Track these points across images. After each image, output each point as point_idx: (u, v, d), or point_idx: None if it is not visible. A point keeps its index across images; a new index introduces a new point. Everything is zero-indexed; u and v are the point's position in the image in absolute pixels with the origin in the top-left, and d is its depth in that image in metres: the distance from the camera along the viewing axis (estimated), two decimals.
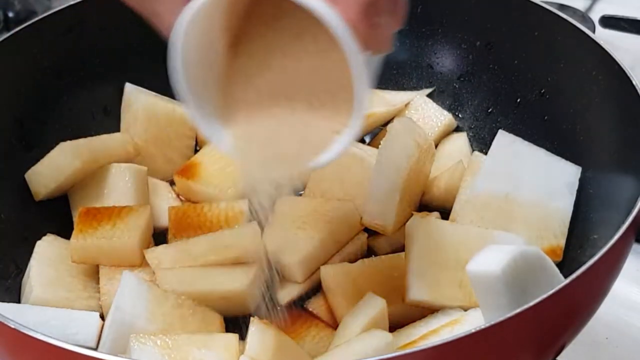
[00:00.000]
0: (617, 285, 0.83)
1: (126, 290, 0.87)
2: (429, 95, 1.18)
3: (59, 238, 1.00)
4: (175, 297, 0.89)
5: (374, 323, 0.85)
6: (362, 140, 1.16)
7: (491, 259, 0.77)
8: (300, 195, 1.04)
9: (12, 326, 0.70)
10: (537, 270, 0.79)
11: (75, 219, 0.97)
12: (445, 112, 1.15)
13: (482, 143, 1.14)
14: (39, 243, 0.97)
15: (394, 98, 1.18)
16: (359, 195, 1.00)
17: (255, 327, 0.81)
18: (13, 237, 0.99)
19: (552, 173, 0.98)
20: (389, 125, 1.00)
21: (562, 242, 0.94)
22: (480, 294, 0.79)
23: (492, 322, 0.68)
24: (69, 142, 1.03)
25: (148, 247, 0.96)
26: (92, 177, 1.04)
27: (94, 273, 0.96)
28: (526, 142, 1.02)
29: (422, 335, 0.84)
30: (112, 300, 0.89)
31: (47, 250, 0.97)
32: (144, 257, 0.95)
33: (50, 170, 1.02)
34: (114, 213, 0.96)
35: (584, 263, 0.73)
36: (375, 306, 0.86)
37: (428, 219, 0.94)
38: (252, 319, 0.83)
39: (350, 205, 0.99)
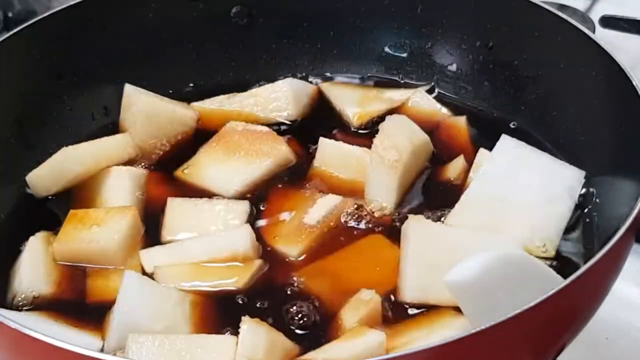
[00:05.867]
0: (617, 285, 0.83)
1: (129, 291, 0.87)
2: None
3: (51, 235, 0.99)
4: (177, 295, 0.89)
5: (368, 317, 0.86)
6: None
7: (466, 268, 0.79)
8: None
9: (13, 326, 0.70)
10: (523, 273, 0.80)
11: (64, 221, 0.98)
12: (445, 109, 1.15)
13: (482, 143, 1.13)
14: (32, 238, 0.98)
15: (392, 95, 1.18)
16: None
17: (247, 326, 0.82)
18: (13, 238, 0.99)
19: (553, 177, 0.98)
20: (381, 125, 1.00)
21: (556, 242, 0.94)
22: (461, 303, 0.81)
23: (493, 323, 0.68)
24: (71, 147, 1.05)
25: (135, 248, 0.96)
26: (93, 178, 1.04)
27: (82, 268, 0.96)
28: (529, 147, 1.01)
29: (417, 336, 0.84)
30: (100, 296, 0.91)
31: (39, 246, 0.97)
32: (127, 258, 0.95)
33: (52, 175, 1.04)
34: (99, 216, 0.96)
35: (583, 264, 0.73)
36: (370, 301, 0.87)
37: (423, 221, 0.94)
38: (243, 317, 0.83)
39: None
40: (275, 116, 1.15)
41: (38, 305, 0.92)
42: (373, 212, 1.00)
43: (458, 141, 1.11)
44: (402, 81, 1.21)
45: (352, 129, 1.14)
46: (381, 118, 1.12)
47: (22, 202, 1.04)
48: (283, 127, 1.13)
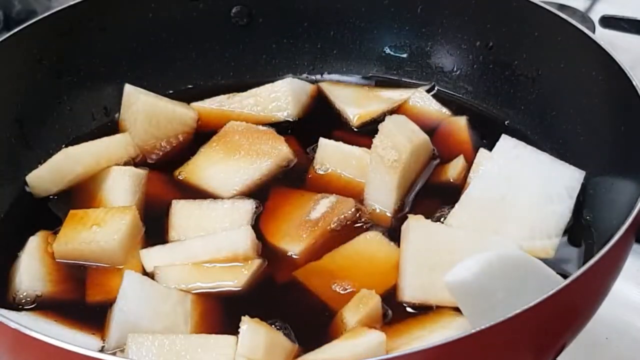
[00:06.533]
0: (617, 285, 0.83)
1: (128, 290, 0.87)
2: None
3: (51, 235, 1.00)
4: (177, 295, 0.89)
5: (368, 318, 0.85)
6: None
7: (465, 268, 0.79)
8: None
9: (13, 326, 0.70)
10: (522, 273, 0.80)
11: (64, 221, 0.98)
12: (445, 109, 1.15)
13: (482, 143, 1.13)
14: (31, 238, 0.98)
15: (392, 95, 1.18)
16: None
17: (246, 326, 0.82)
18: (13, 238, 0.99)
19: (553, 176, 0.98)
20: (381, 125, 1.01)
21: (556, 242, 0.94)
22: (461, 303, 0.81)
23: (493, 323, 0.68)
24: (71, 147, 1.06)
25: (136, 247, 0.96)
26: (93, 178, 1.05)
27: (82, 268, 0.96)
28: (529, 147, 1.01)
29: (417, 336, 0.84)
30: (100, 296, 0.91)
31: (39, 245, 0.97)
32: (127, 258, 0.95)
33: (52, 175, 1.04)
34: (99, 216, 0.96)
35: (583, 263, 0.73)
36: (370, 301, 0.87)
37: (423, 221, 0.94)
38: (243, 317, 0.83)
39: None
40: (275, 116, 1.15)
41: (38, 304, 0.92)
42: (373, 212, 1.00)
43: (458, 141, 1.11)
44: (402, 81, 1.21)
45: (352, 129, 1.14)
46: (381, 118, 1.12)
47: (22, 202, 1.04)
48: (283, 127, 1.14)
